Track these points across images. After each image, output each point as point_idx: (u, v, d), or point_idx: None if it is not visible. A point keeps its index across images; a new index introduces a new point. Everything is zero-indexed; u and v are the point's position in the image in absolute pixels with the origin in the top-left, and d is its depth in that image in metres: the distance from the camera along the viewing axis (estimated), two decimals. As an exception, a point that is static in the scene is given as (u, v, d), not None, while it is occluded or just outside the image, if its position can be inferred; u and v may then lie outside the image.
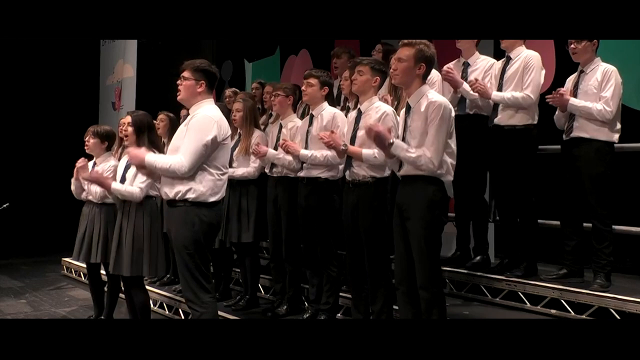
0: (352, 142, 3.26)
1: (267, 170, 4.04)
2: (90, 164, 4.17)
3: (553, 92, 3.55)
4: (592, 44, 3.49)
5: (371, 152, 3.13)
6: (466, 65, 4.02)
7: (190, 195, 2.89)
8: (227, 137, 3.01)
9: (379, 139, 2.83)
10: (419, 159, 2.75)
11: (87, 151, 4.12)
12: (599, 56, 3.54)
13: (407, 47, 2.85)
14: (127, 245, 3.53)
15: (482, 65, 3.95)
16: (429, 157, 2.74)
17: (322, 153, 3.50)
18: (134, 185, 3.53)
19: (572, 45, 3.53)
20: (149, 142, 3.62)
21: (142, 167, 3.02)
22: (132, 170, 3.60)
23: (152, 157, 2.97)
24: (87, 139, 4.09)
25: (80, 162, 3.90)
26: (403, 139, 2.90)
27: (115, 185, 3.57)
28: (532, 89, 3.62)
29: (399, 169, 2.92)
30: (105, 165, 4.02)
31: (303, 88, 3.70)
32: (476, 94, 3.76)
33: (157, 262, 3.58)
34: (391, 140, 2.80)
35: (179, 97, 3.05)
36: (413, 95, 2.88)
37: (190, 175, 2.87)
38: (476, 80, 3.74)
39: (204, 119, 2.90)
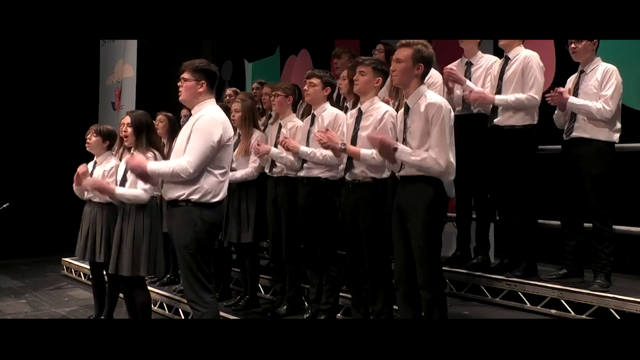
0: (353, 142, 3.25)
1: (266, 171, 4.04)
2: (91, 164, 4.18)
3: (552, 90, 3.55)
4: (592, 43, 3.49)
5: (369, 152, 3.13)
6: (469, 64, 4.02)
7: (194, 196, 2.89)
8: (230, 138, 3.02)
9: (384, 148, 2.83)
10: (424, 161, 2.75)
11: (87, 149, 4.12)
12: (599, 56, 3.53)
13: (405, 47, 2.85)
14: (127, 245, 3.53)
15: (485, 64, 3.95)
16: (435, 158, 2.74)
17: (321, 152, 3.50)
18: (138, 188, 3.49)
19: (572, 45, 3.53)
20: (148, 142, 3.62)
21: (144, 176, 2.99)
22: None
23: (154, 166, 2.95)
24: (89, 136, 4.09)
25: (82, 169, 3.87)
26: (403, 140, 2.90)
27: (119, 190, 3.54)
28: (536, 89, 3.61)
29: (400, 170, 2.92)
30: (106, 165, 4.01)
31: (305, 88, 3.69)
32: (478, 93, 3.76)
33: (157, 262, 3.58)
34: (395, 145, 2.79)
35: (180, 98, 3.05)
36: (411, 96, 2.88)
37: (194, 177, 2.87)
38: (470, 92, 3.72)
39: (210, 121, 2.90)
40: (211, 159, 2.89)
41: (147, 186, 3.47)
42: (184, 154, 2.88)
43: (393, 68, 2.88)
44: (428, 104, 2.78)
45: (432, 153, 2.75)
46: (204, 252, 2.94)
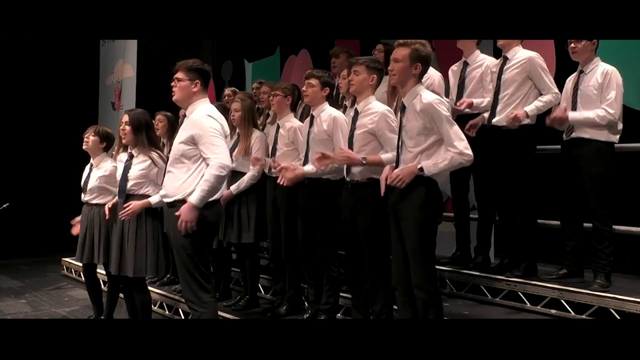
0: (350, 142, 3.25)
1: (266, 171, 4.04)
2: (89, 166, 4.17)
3: (547, 117, 3.54)
4: (591, 43, 3.49)
5: (390, 155, 3.10)
6: (465, 64, 4.03)
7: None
8: (227, 136, 3.04)
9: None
10: (452, 161, 2.74)
11: (84, 148, 4.12)
12: (599, 56, 3.53)
13: (403, 47, 2.85)
14: (129, 246, 3.53)
15: (477, 68, 3.96)
16: (457, 152, 2.74)
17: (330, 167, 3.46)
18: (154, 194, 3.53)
19: (572, 45, 3.53)
20: (148, 141, 3.63)
21: (194, 212, 2.89)
22: (135, 170, 3.58)
23: (196, 196, 2.86)
24: (87, 136, 4.09)
25: (110, 204, 3.76)
26: (399, 139, 2.91)
27: (153, 199, 3.49)
28: (553, 86, 3.63)
29: (395, 168, 2.92)
30: (103, 168, 4.02)
31: (304, 88, 3.68)
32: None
33: (159, 261, 3.59)
34: (419, 166, 2.77)
35: (174, 98, 3.08)
36: (407, 95, 2.89)
37: (228, 166, 2.90)
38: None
39: (207, 119, 2.93)
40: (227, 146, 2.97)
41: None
42: (204, 158, 2.90)
43: (391, 67, 2.89)
44: (423, 105, 2.78)
45: (452, 148, 2.75)
46: (201, 252, 2.95)
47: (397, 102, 3.62)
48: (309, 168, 3.53)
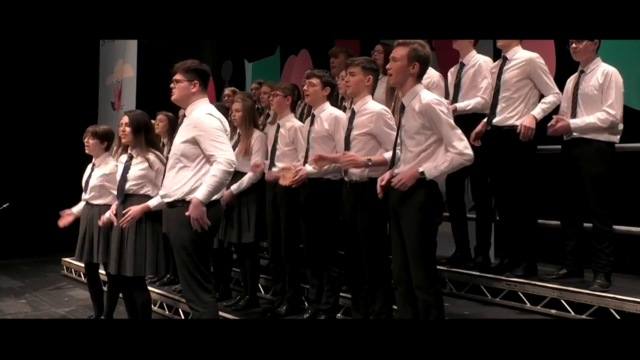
0: (347, 142, 3.26)
1: (266, 171, 4.04)
2: (90, 166, 4.18)
3: (549, 125, 3.51)
4: (593, 43, 3.49)
5: (390, 153, 3.09)
6: (462, 65, 4.04)
7: (190, 197, 2.90)
8: (228, 135, 3.04)
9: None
10: (453, 162, 2.74)
11: (87, 152, 4.13)
12: (599, 56, 3.53)
13: (401, 46, 2.86)
14: (129, 246, 3.53)
15: (475, 65, 3.96)
16: (457, 153, 2.73)
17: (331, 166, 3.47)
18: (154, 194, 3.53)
19: (573, 45, 3.53)
20: (147, 141, 3.63)
21: (201, 209, 2.88)
22: (134, 171, 3.58)
23: (202, 192, 2.84)
24: (86, 139, 4.10)
25: (114, 210, 3.72)
26: (399, 139, 2.91)
27: (152, 202, 3.48)
28: (554, 86, 3.63)
29: (395, 168, 2.92)
30: (105, 168, 4.02)
31: (304, 88, 3.68)
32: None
33: (159, 261, 3.59)
34: (421, 170, 2.76)
35: (173, 98, 3.08)
36: (407, 95, 2.88)
37: (234, 162, 2.90)
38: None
39: (209, 117, 2.93)
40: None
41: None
42: (208, 156, 2.89)
43: (389, 67, 2.89)
44: (422, 105, 2.78)
45: (452, 149, 2.74)
46: (201, 252, 2.95)
47: (396, 102, 3.63)
48: (311, 168, 3.52)
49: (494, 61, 3.96)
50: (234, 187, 3.95)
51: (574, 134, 3.52)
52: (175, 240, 2.95)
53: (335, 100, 4.19)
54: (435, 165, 2.77)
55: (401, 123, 2.90)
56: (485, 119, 3.81)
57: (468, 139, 3.73)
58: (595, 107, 3.46)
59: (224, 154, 2.87)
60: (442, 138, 2.79)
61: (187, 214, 2.84)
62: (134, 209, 3.44)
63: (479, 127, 3.80)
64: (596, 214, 3.45)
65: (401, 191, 2.79)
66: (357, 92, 3.25)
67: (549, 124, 3.52)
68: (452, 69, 4.14)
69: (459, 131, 2.79)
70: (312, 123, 3.68)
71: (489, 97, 3.84)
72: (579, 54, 3.54)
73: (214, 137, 2.89)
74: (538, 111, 3.62)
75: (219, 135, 2.91)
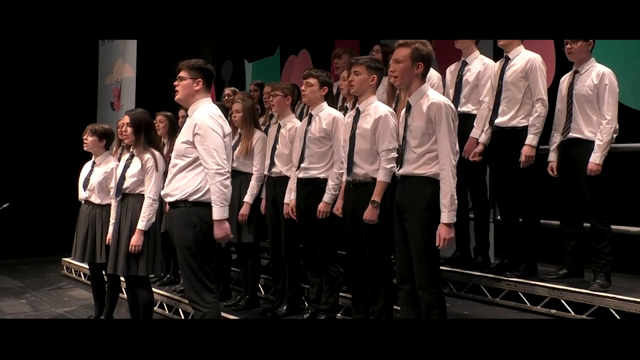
0: (352, 141, 3.25)
1: (266, 171, 4.04)
2: (89, 164, 4.18)
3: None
4: (587, 44, 3.50)
5: (383, 173, 3.10)
6: (464, 64, 4.03)
7: (193, 197, 2.90)
8: (229, 135, 3.03)
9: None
10: (451, 183, 2.70)
11: (85, 149, 4.15)
12: (594, 57, 3.54)
13: (403, 47, 2.83)
14: (123, 245, 3.54)
15: (476, 67, 3.96)
16: (447, 173, 2.71)
17: (329, 184, 3.50)
18: (144, 207, 3.53)
19: (568, 45, 3.54)
20: (148, 141, 3.64)
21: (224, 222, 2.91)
22: (133, 169, 3.59)
23: (217, 211, 2.86)
24: (85, 136, 4.12)
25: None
26: (404, 139, 2.90)
27: (141, 225, 3.52)
28: (543, 93, 3.62)
29: (399, 169, 2.92)
30: (105, 166, 4.03)
31: (302, 88, 3.68)
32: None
33: (155, 261, 3.59)
34: (446, 222, 2.71)
35: (176, 97, 3.07)
36: (413, 95, 2.86)
37: (228, 171, 2.89)
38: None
39: (209, 119, 2.92)
40: (227, 148, 2.96)
41: (151, 194, 3.54)
42: (203, 162, 2.88)
43: (392, 69, 2.87)
44: (430, 104, 2.77)
45: (443, 165, 2.72)
46: (204, 252, 2.95)
47: (397, 102, 3.63)
48: (326, 197, 3.49)
49: (495, 61, 3.95)
50: (247, 198, 4.01)
51: (570, 134, 3.53)
52: (179, 241, 2.95)
53: (336, 101, 4.19)
54: (443, 197, 2.72)
55: (407, 123, 2.88)
56: (477, 137, 3.83)
57: (468, 139, 3.78)
58: (590, 108, 3.47)
59: (212, 167, 2.85)
60: None
61: (215, 238, 2.90)
62: (136, 240, 3.50)
63: (478, 148, 3.80)
64: (594, 214, 3.45)
65: (406, 190, 2.80)
66: (362, 91, 3.24)
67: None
68: (451, 68, 4.13)
69: (456, 144, 2.77)
70: (309, 123, 3.68)
71: (490, 99, 3.83)
72: (573, 54, 3.55)
73: (208, 143, 2.86)
74: (531, 137, 3.60)
75: (214, 142, 2.87)
